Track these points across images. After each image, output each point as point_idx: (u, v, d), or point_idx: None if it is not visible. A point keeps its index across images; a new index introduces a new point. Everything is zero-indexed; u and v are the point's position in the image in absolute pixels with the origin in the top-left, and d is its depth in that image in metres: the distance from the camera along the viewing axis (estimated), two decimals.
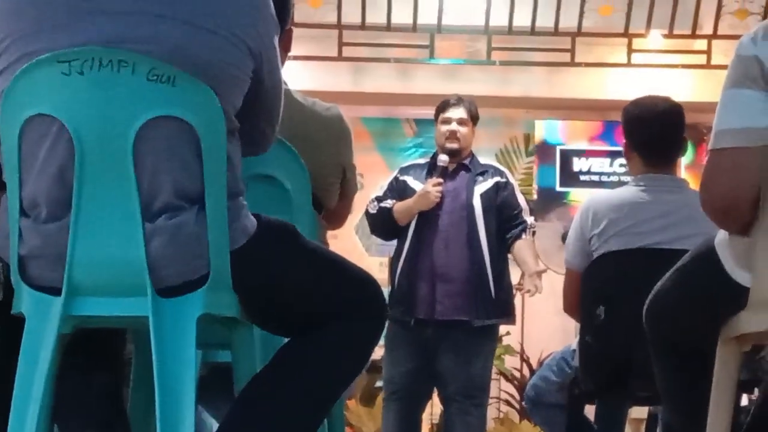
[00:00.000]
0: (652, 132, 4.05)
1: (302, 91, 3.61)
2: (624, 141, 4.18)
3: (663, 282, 2.73)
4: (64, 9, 2.14)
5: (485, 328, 5.23)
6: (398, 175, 5.47)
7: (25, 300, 2.19)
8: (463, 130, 5.35)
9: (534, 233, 5.36)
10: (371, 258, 8.09)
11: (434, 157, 5.42)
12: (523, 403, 5.58)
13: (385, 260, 6.89)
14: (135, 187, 2.11)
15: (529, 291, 5.31)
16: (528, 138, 9.31)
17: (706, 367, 2.52)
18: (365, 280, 2.40)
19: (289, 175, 2.99)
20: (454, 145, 5.33)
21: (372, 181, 8.15)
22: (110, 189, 2.12)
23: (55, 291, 2.15)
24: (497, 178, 5.33)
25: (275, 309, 2.32)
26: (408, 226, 5.28)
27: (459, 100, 5.43)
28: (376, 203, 5.37)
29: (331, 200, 3.67)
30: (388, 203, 5.32)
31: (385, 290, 2.53)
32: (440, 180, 5.25)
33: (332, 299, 2.32)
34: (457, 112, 5.38)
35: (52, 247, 2.14)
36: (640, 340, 2.86)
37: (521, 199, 5.36)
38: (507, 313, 5.31)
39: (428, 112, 6.01)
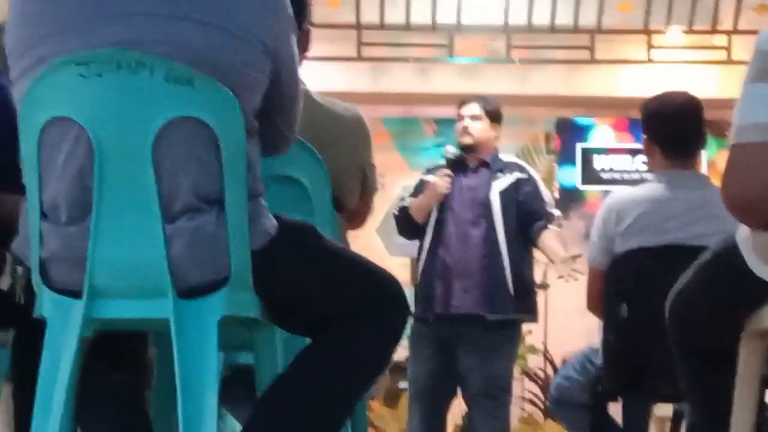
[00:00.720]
0: (672, 126, 4.03)
1: (321, 92, 3.60)
2: (644, 137, 4.16)
3: (684, 279, 2.72)
4: (77, 12, 2.14)
5: (502, 324, 5.18)
6: (423, 177, 5.48)
7: (47, 303, 2.19)
8: (475, 124, 5.33)
9: (561, 226, 5.27)
10: (393, 258, 8.08)
11: None
12: (547, 402, 5.56)
13: (407, 260, 6.88)
14: (155, 188, 2.10)
15: (562, 277, 5.17)
16: (549, 137, 9.28)
17: (728, 363, 2.51)
18: (387, 280, 2.39)
19: (309, 176, 2.99)
20: (467, 140, 5.33)
21: (392, 181, 8.14)
22: (130, 191, 2.11)
23: (76, 294, 2.15)
24: (518, 175, 5.29)
25: (296, 309, 2.32)
26: (428, 223, 5.27)
27: (474, 98, 5.45)
28: (399, 204, 5.39)
29: (352, 200, 3.66)
30: (406, 201, 5.34)
31: (408, 290, 2.51)
32: (448, 171, 5.24)
33: (354, 299, 2.31)
34: (469, 109, 5.37)
35: (73, 250, 2.14)
36: (662, 338, 2.85)
37: (546, 194, 5.31)
38: (525, 310, 5.26)
39: (448, 112, 6.01)
